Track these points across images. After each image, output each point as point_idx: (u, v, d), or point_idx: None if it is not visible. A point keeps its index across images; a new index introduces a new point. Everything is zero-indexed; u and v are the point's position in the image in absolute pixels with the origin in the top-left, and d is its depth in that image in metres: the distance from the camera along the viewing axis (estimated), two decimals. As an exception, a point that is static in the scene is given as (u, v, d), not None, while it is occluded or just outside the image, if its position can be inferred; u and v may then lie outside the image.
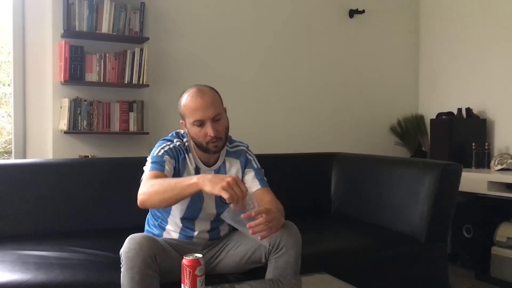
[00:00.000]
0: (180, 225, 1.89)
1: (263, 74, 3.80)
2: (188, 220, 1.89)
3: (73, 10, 3.02)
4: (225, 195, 1.51)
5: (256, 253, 1.79)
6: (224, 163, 1.94)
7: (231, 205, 1.58)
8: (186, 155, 1.87)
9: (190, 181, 1.60)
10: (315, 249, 2.12)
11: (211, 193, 1.57)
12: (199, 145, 1.84)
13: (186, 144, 1.89)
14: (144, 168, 1.83)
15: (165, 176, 1.74)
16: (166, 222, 1.92)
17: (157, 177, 1.71)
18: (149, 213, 2.01)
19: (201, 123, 1.79)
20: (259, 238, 1.57)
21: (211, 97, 1.81)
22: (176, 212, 1.88)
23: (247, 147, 2.02)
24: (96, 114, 3.09)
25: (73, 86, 3.11)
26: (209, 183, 1.55)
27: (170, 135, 1.93)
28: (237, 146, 2.00)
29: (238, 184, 1.54)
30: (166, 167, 1.78)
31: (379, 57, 4.20)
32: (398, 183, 2.51)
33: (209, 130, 1.78)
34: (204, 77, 3.56)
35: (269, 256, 1.76)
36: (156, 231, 1.94)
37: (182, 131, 1.95)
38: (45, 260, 1.88)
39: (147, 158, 1.85)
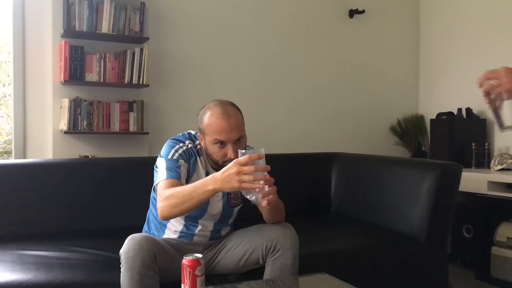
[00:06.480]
0: (183, 222, 1.89)
1: (263, 74, 3.80)
2: (191, 218, 1.88)
3: (73, 10, 3.02)
4: (245, 188, 1.57)
5: (254, 254, 1.79)
6: None
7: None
8: (197, 158, 1.86)
9: (206, 188, 1.60)
10: (315, 249, 2.12)
11: (235, 190, 1.71)
12: (214, 161, 1.83)
13: (198, 146, 1.88)
14: (157, 167, 1.81)
15: (181, 184, 1.74)
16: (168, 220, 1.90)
17: (173, 185, 1.71)
18: (150, 211, 2.01)
19: (222, 143, 1.77)
20: (265, 202, 1.59)
21: (236, 120, 1.78)
22: None
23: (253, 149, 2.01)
24: (96, 114, 3.09)
25: (73, 86, 3.11)
26: (222, 182, 1.57)
27: (181, 135, 1.91)
28: (246, 150, 1.99)
29: (243, 171, 1.53)
30: (182, 172, 1.77)
31: (379, 57, 4.20)
32: (398, 183, 2.51)
33: (229, 152, 1.76)
34: (204, 77, 3.58)
35: (266, 257, 1.76)
36: (156, 231, 1.94)
37: (193, 132, 1.93)
38: (45, 260, 1.88)
39: (159, 157, 1.83)
